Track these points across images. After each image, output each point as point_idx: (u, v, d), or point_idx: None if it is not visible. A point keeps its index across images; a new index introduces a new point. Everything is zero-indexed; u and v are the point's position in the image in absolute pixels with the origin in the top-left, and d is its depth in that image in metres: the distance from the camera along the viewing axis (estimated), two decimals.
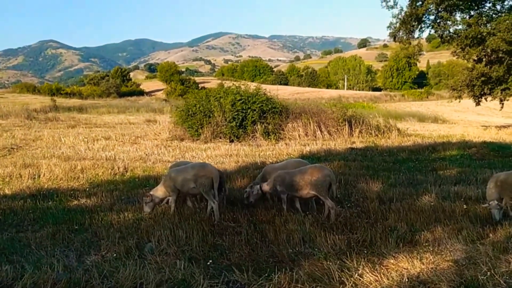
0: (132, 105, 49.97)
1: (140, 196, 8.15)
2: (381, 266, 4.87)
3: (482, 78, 25.27)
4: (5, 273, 4.68)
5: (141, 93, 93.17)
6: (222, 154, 14.82)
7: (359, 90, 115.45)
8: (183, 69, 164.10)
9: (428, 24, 31.17)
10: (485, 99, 28.48)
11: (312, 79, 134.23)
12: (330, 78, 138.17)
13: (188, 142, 17.99)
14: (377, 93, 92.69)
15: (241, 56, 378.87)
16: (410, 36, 31.20)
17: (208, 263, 5.13)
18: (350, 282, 4.47)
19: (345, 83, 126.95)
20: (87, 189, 9.53)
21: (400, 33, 31.94)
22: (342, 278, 4.53)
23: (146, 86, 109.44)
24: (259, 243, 5.66)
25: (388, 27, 32.61)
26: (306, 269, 4.83)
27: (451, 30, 30.02)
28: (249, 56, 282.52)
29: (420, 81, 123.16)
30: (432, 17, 30.89)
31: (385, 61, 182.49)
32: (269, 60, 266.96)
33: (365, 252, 5.28)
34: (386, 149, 15.47)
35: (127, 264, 5.08)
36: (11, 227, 6.79)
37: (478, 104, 28.61)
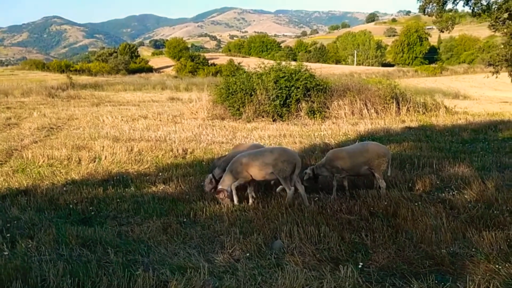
0: (146, 82, 49.13)
1: None
2: None
3: None
4: (144, 279, 4.10)
5: (150, 69, 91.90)
6: (275, 134, 14.16)
7: (368, 65, 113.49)
8: (189, 45, 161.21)
9: None
10: None
11: (321, 54, 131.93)
12: (339, 53, 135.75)
13: (230, 121, 17.31)
14: (390, 69, 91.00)
15: (246, 31, 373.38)
16: (442, 8, 30.03)
17: (360, 265, 4.53)
18: None
19: (355, 59, 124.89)
20: (159, 174, 8.91)
21: (430, 6, 30.74)
22: None
23: (154, 62, 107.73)
24: (406, 242, 5.02)
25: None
26: (477, 275, 4.23)
27: (484, 2, 28.84)
28: (255, 32, 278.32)
29: (431, 56, 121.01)
30: None
31: (394, 36, 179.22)
32: (275, 35, 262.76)
33: None
34: (444, 128, 14.75)
35: (262, 266, 4.54)
36: (109, 219, 6.20)
37: None
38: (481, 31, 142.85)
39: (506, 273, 4.15)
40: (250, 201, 6.90)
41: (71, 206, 6.67)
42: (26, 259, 4.62)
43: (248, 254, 4.87)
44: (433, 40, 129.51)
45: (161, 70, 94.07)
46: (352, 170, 7.32)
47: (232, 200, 6.76)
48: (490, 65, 28.21)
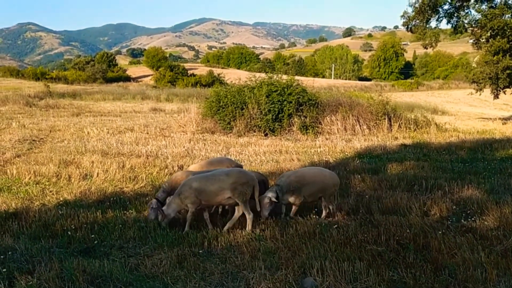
0: (125, 92, 48.20)
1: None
2: None
3: (508, 71, 24.68)
4: None
5: (128, 79, 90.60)
6: (270, 150, 13.75)
7: (346, 79, 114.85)
8: (167, 55, 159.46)
9: (444, 13, 30.42)
10: (504, 92, 28.02)
11: (300, 67, 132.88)
12: (317, 66, 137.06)
13: (220, 135, 16.82)
14: (367, 83, 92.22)
15: (225, 42, 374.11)
16: (425, 25, 30.46)
17: None
18: None
19: (332, 72, 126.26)
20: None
21: (413, 23, 31.17)
22: None
23: (132, 71, 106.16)
24: (450, 280, 4.63)
25: (401, 16, 31.79)
26: None
27: (466, 21, 29.42)
28: (233, 43, 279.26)
29: (407, 71, 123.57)
30: (446, 7, 30.18)
31: (370, 50, 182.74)
32: (254, 47, 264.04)
33: None
34: (439, 146, 14.64)
35: None
36: (115, 249, 5.60)
37: (496, 97, 28.12)
38: (454, 47, 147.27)
39: None
40: (210, 226, 6.48)
41: (69, 233, 6.04)
42: None
43: None
44: (408, 56, 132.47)
45: (139, 80, 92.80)
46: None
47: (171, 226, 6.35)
48: (473, 82, 28.71)
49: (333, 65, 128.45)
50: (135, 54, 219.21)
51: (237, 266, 5.07)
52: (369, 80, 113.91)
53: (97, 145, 13.83)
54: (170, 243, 5.72)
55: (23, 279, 4.55)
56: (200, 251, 5.49)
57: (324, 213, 7.10)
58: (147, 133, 17.09)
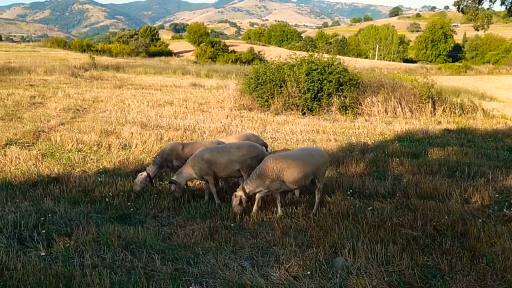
0: (167, 66, 48.74)
1: None
2: None
3: None
4: None
5: (170, 53, 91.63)
6: (307, 129, 13.58)
7: (390, 60, 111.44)
8: (209, 31, 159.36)
9: None
10: None
11: (342, 47, 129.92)
12: (360, 47, 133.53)
13: (258, 113, 16.74)
14: (412, 65, 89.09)
15: (267, 19, 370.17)
16: (478, 6, 28.93)
17: None
18: None
19: (376, 53, 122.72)
20: None
21: (465, 3, 29.65)
22: None
23: (174, 46, 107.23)
24: (488, 269, 4.45)
25: None
26: None
27: None
28: (276, 20, 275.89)
29: (455, 54, 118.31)
30: None
31: (417, 31, 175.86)
32: (296, 25, 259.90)
33: None
34: (485, 133, 14.00)
35: (325, 287, 4.03)
36: (149, 218, 5.74)
37: None
38: (507, 31, 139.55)
39: None
40: (206, 197, 6.61)
41: (107, 199, 6.23)
42: (67, 264, 4.18)
43: (308, 272, 4.36)
44: (457, 38, 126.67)
45: (181, 55, 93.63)
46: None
47: (181, 195, 6.40)
48: None
49: (377, 45, 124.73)
50: (178, 29, 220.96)
51: (268, 242, 5.07)
52: (415, 62, 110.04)
53: (137, 117, 14.10)
54: (202, 215, 5.80)
55: (61, 241, 4.73)
56: (232, 225, 5.53)
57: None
58: (186, 108, 17.26)
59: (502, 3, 29.93)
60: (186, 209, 6.01)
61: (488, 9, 29.33)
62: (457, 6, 31.35)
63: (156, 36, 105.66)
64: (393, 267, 4.48)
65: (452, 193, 7.16)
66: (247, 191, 5.77)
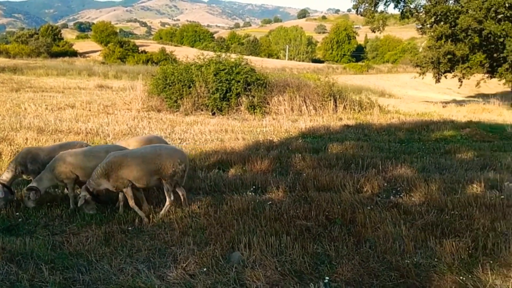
0: (71, 67, 46.20)
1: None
2: None
3: (449, 56, 25.78)
4: None
5: (74, 54, 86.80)
6: (216, 129, 13.68)
7: (299, 61, 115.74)
8: (117, 30, 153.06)
9: None
10: (445, 76, 29.31)
11: (254, 47, 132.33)
12: (271, 47, 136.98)
13: (167, 114, 16.52)
14: (320, 65, 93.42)
15: (178, 19, 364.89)
16: (374, 9, 31.15)
17: (326, 280, 4.27)
18: None
19: (286, 54, 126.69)
20: None
21: (363, 6, 31.80)
22: None
23: (79, 46, 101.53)
24: (370, 252, 4.84)
25: None
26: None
27: (412, 6, 30.37)
28: (187, 20, 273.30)
29: (358, 54, 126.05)
30: None
31: (323, 33, 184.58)
32: (208, 25, 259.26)
33: (491, 262, 4.63)
34: (380, 127, 15.14)
35: (222, 282, 4.15)
36: (40, 227, 5.41)
37: (438, 81, 29.36)
38: (403, 32, 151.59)
39: (473, 286, 4.09)
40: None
41: None
42: None
43: (205, 269, 4.42)
44: (360, 39, 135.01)
45: (87, 55, 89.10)
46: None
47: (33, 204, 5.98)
48: (417, 66, 29.82)
49: (287, 46, 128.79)
50: (83, 28, 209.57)
51: (166, 242, 5.05)
52: (322, 62, 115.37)
53: (33, 121, 13.19)
54: (98, 221, 5.61)
55: None
56: (130, 228, 5.42)
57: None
58: (90, 110, 16.51)
59: (396, 6, 32.54)
60: (81, 216, 5.77)
61: (382, 12, 31.69)
62: (356, 9, 33.52)
63: (59, 35, 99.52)
64: (286, 257, 4.70)
65: (346, 184, 7.64)
66: (91, 189, 5.63)
